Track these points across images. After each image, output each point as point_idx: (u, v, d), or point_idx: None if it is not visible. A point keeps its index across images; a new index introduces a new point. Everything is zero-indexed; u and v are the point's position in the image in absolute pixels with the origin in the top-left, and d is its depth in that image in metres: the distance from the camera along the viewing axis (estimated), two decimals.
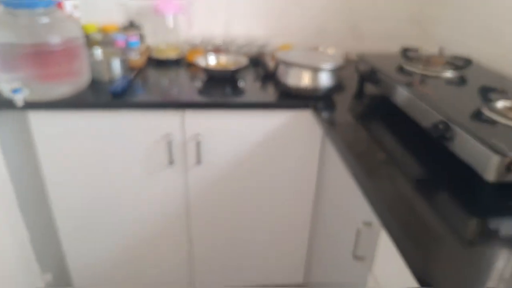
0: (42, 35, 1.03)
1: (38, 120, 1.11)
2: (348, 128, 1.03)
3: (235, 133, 1.20)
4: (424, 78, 1.08)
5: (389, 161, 0.86)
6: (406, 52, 1.21)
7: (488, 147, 0.68)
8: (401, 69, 1.15)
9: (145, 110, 1.13)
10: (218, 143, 1.20)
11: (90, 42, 1.34)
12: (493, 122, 0.79)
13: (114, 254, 1.38)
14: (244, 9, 1.56)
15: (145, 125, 1.15)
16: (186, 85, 1.25)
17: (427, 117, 0.88)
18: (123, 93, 1.14)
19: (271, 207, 1.35)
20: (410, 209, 0.68)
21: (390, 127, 1.03)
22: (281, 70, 1.22)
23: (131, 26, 1.47)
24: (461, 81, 1.07)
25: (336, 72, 1.20)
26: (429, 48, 1.32)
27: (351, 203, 0.95)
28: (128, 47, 1.39)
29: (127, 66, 1.30)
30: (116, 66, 1.25)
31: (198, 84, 1.26)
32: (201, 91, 1.20)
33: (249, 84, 1.28)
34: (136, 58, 1.37)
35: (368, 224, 0.81)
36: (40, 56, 1.04)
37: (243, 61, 1.33)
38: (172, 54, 1.49)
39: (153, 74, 1.35)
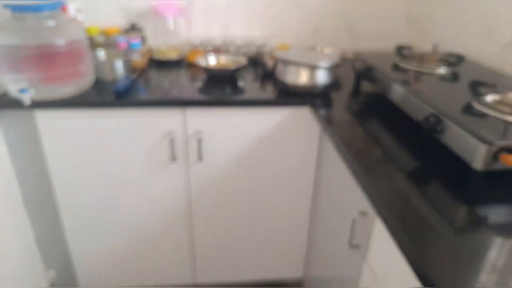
0: (48, 38, 1.07)
1: (45, 119, 1.14)
2: (345, 124, 1.06)
3: (235, 130, 1.23)
4: (418, 75, 1.11)
5: (384, 154, 0.89)
6: (400, 50, 1.24)
7: (475, 137, 0.71)
8: (396, 67, 1.18)
9: (148, 109, 1.16)
10: (219, 140, 1.24)
11: (93, 44, 1.38)
12: (482, 115, 0.83)
13: (117, 251, 1.41)
14: (242, 11, 1.60)
15: (148, 123, 1.19)
16: (187, 85, 1.29)
17: (420, 111, 0.91)
18: (126, 93, 1.17)
19: (271, 203, 1.38)
20: (404, 199, 0.72)
21: (385, 123, 1.07)
22: (279, 68, 1.26)
23: (133, 28, 1.51)
24: (454, 77, 1.10)
25: (333, 70, 1.24)
26: (423, 46, 1.36)
27: (348, 195, 0.98)
28: (130, 48, 1.43)
29: (129, 67, 1.34)
30: (119, 67, 1.29)
31: (199, 83, 1.30)
32: (202, 90, 1.23)
33: (248, 83, 1.31)
34: (138, 59, 1.41)
35: (363, 213, 0.84)
36: (46, 58, 1.08)
37: (242, 60, 1.37)
38: (173, 55, 1.52)
39: (154, 75, 1.39)
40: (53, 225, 1.38)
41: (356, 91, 1.30)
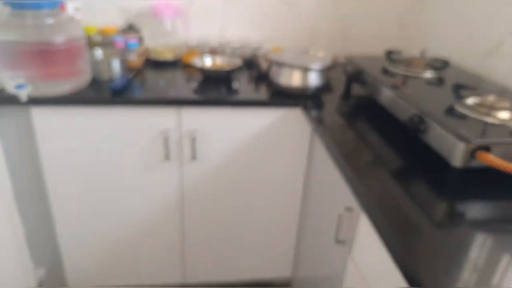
0: (47, 35, 1.10)
1: (41, 116, 1.17)
2: (335, 124, 1.10)
3: (229, 130, 1.26)
4: (406, 79, 1.15)
5: (371, 153, 0.93)
6: (390, 55, 1.29)
7: (454, 136, 0.75)
8: (385, 71, 1.22)
9: (143, 107, 1.19)
10: (213, 139, 1.27)
11: (90, 44, 1.40)
12: (463, 116, 0.87)
13: (108, 249, 1.43)
14: (238, 14, 1.63)
15: (143, 122, 1.22)
16: (182, 85, 1.32)
17: (405, 112, 0.95)
18: (123, 91, 1.20)
19: (262, 202, 1.41)
20: (388, 194, 0.75)
21: (373, 124, 1.11)
22: (273, 70, 1.30)
23: (130, 29, 1.54)
24: (439, 81, 1.15)
25: (325, 72, 1.28)
26: (413, 50, 1.41)
27: (335, 192, 1.02)
28: (127, 48, 1.46)
29: (126, 66, 1.37)
30: (116, 66, 1.32)
31: (194, 84, 1.33)
32: (197, 90, 1.27)
33: (243, 85, 1.35)
34: (134, 59, 1.44)
35: (349, 209, 0.87)
36: (44, 55, 1.10)
37: (238, 62, 1.40)
38: (169, 56, 1.56)
39: (151, 75, 1.42)
40: (44, 223, 1.39)
41: (347, 94, 1.34)
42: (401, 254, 0.61)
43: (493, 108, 0.89)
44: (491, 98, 0.93)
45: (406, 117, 0.94)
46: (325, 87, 1.33)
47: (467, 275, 0.55)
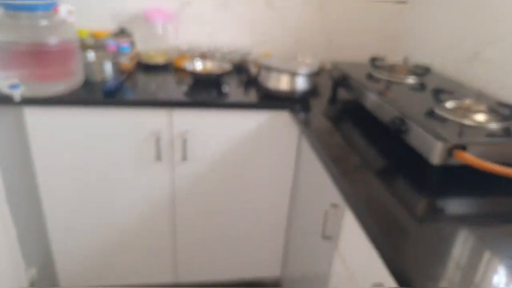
0: (41, 36, 1.12)
1: (33, 116, 1.18)
2: (321, 126, 1.14)
3: (219, 132, 1.30)
4: (389, 84, 1.21)
5: (356, 153, 0.97)
6: (374, 61, 1.34)
7: (433, 135, 0.80)
8: (370, 76, 1.28)
9: (135, 109, 1.22)
10: (203, 140, 1.30)
11: (83, 46, 1.42)
12: (442, 119, 0.92)
13: (99, 249, 1.43)
14: (228, 20, 1.68)
15: (135, 123, 1.24)
16: (173, 88, 1.35)
17: (388, 115, 1.00)
18: (115, 93, 1.22)
19: (252, 202, 1.44)
20: (371, 190, 0.79)
21: (358, 126, 1.15)
22: (262, 74, 1.34)
23: (122, 32, 1.56)
24: (421, 86, 1.20)
25: (312, 77, 1.33)
26: (396, 58, 1.47)
27: (321, 190, 1.06)
28: (119, 51, 1.48)
29: (118, 69, 1.39)
30: (108, 68, 1.34)
31: (185, 87, 1.36)
32: (188, 93, 1.30)
33: (233, 89, 1.38)
34: (126, 62, 1.46)
35: (334, 205, 0.91)
36: (38, 56, 1.12)
37: (227, 66, 1.44)
38: (160, 60, 1.58)
39: (142, 78, 1.44)
40: (35, 223, 1.39)
41: (333, 98, 1.39)
42: (383, 246, 0.65)
43: (470, 111, 0.95)
44: (468, 102, 0.99)
45: (389, 119, 0.99)
46: (312, 92, 1.38)
47: (448, 266, 0.60)
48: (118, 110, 1.21)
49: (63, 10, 1.41)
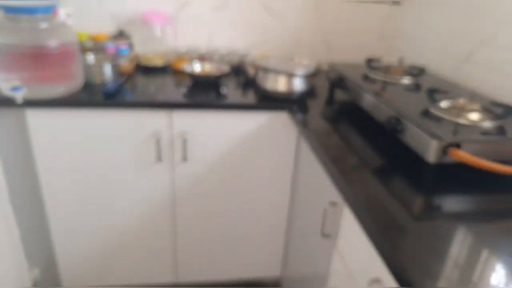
0: (41, 39, 1.13)
1: (35, 118, 1.19)
2: (319, 126, 1.16)
3: (219, 132, 1.31)
4: (385, 85, 1.23)
5: (354, 152, 0.99)
6: (370, 62, 1.37)
7: (428, 134, 0.82)
8: (366, 77, 1.30)
9: (136, 110, 1.23)
10: (203, 141, 1.31)
11: (82, 49, 1.43)
12: (437, 118, 0.94)
13: (101, 249, 1.44)
14: (225, 23, 1.69)
15: (135, 124, 1.25)
16: (172, 89, 1.36)
17: (385, 115, 1.02)
18: (115, 94, 1.24)
19: (252, 202, 1.46)
20: (368, 188, 0.81)
21: (355, 126, 1.17)
22: (260, 76, 1.36)
23: (121, 35, 1.58)
24: (416, 86, 1.23)
25: (309, 78, 1.35)
26: (392, 59, 1.49)
27: (320, 188, 1.08)
28: (118, 54, 1.49)
29: (117, 71, 1.41)
30: (107, 70, 1.36)
31: (184, 88, 1.38)
32: (187, 95, 1.31)
33: (231, 90, 1.40)
34: (125, 64, 1.47)
35: (333, 203, 0.93)
36: (38, 58, 1.13)
37: (226, 68, 1.46)
38: (159, 62, 1.60)
39: (141, 79, 1.46)
40: (38, 223, 1.40)
41: (330, 99, 1.41)
42: (381, 243, 0.66)
43: (464, 110, 0.97)
44: (462, 101, 1.01)
45: (385, 119, 1.01)
46: (310, 93, 1.40)
47: (445, 262, 0.61)
48: (118, 112, 1.23)
49: (62, 13, 1.42)
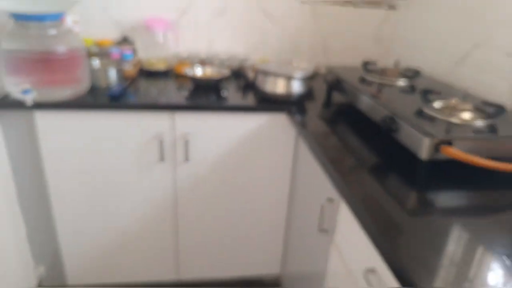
0: (50, 45, 1.18)
1: (44, 120, 1.23)
2: (317, 127, 1.20)
3: (219, 133, 1.35)
4: (381, 87, 1.27)
5: (350, 151, 1.03)
6: (366, 65, 1.41)
7: (421, 132, 0.86)
8: (362, 79, 1.34)
9: (140, 112, 1.27)
10: (204, 142, 1.36)
11: (88, 54, 1.48)
12: (431, 117, 0.98)
13: (106, 247, 1.48)
14: (225, 28, 1.74)
15: (139, 126, 1.30)
16: (175, 92, 1.41)
17: (381, 116, 1.06)
18: (120, 97, 1.28)
19: (252, 201, 1.49)
20: (363, 184, 0.85)
21: (352, 127, 1.21)
22: (259, 79, 1.40)
23: (125, 41, 1.62)
24: (411, 88, 1.27)
25: (307, 81, 1.39)
26: (388, 62, 1.54)
27: (318, 186, 1.12)
28: (122, 59, 1.54)
29: (121, 75, 1.45)
30: (112, 74, 1.40)
31: (186, 92, 1.42)
32: (189, 97, 1.35)
33: (231, 93, 1.44)
34: (129, 69, 1.52)
35: (330, 200, 0.97)
36: (47, 63, 1.18)
37: (226, 72, 1.50)
38: (161, 66, 1.65)
39: (144, 83, 1.50)
40: (44, 222, 1.44)
41: (328, 101, 1.45)
42: (376, 234, 0.70)
43: (456, 109, 1.01)
44: (454, 101, 1.05)
45: (380, 118, 1.05)
46: (308, 95, 1.44)
47: (438, 254, 0.65)
48: (123, 114, 1.27)
49: (69, 20, 1.47)
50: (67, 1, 1.30)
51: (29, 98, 1.13)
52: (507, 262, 0.62)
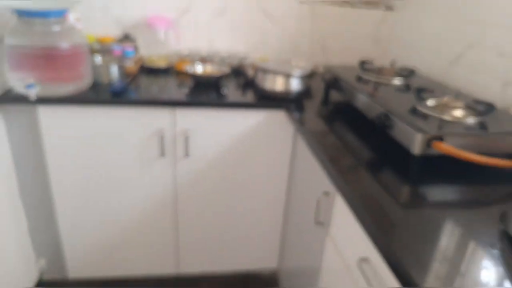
0: (53, 41, 1.20)
1: (47, 115, 1.26)
2: (314, 123, 1.23)
3: (219, 130, 1.38)
4: (377, 85, 1.30)
5: (347, 147, 1.06)
6: (363, 64, 1.44)
7: (413, 128, 0.89)
8: (359, 78, 1.37)
9: (141, 108, 1.30)
10: (204, 138, 1.39)
11: (90, 51, 1.51)
12: (424, 115, 1.01)
13: (106, 241, 1.51)
14: (226, 27, 1.77)
15: (140, 122, 1.32)
16: (175, 89, 1.43)
17: (376, 113, 1.09)
18: (122, 93, 1.31)
19: (250, 197, 1.53)
20: (361, 179, 0.88)
21: (349, 124, 1.25)
22: (259, 76, 1.43)
23: (127, 38, 1.65)
24: (406, 87, 1.30)
25: (305, 79, 1.42)
26: (385, 61, 1.57)
27: (314, 180, 1.15)
28: (124, 56, 1.57)
29: (123, 72, 1.48)
30: (114, 71, 1.43)
31: (186, 88, 1.45)
32: (189, 94, 1.38)
33: (231, 90, 1.47)
34: (131, 65, 1.55)
35: (326, 193, 1.00)
36: (51, 59, 1.21)
37: (226, 70, 1.53)
38: (162, 64, 1.67)
39: (145, 80, 1.53)
40: (46, 215, 1.46)
41: (325, 98, 1.49)
42: (370, 226, 0.73)
43: (448, 107, 1.04)
44: (447, 99, 1.08)
45: (376, 115, 1.08)
46: (306, 93, 1.47)
47: (430, 244, 0.68)
48: (125, 110, 1.30)
49: (71, 17, 1.50)
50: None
51: (32, 93, 1.16)
52: (495, 252, 0.66)
